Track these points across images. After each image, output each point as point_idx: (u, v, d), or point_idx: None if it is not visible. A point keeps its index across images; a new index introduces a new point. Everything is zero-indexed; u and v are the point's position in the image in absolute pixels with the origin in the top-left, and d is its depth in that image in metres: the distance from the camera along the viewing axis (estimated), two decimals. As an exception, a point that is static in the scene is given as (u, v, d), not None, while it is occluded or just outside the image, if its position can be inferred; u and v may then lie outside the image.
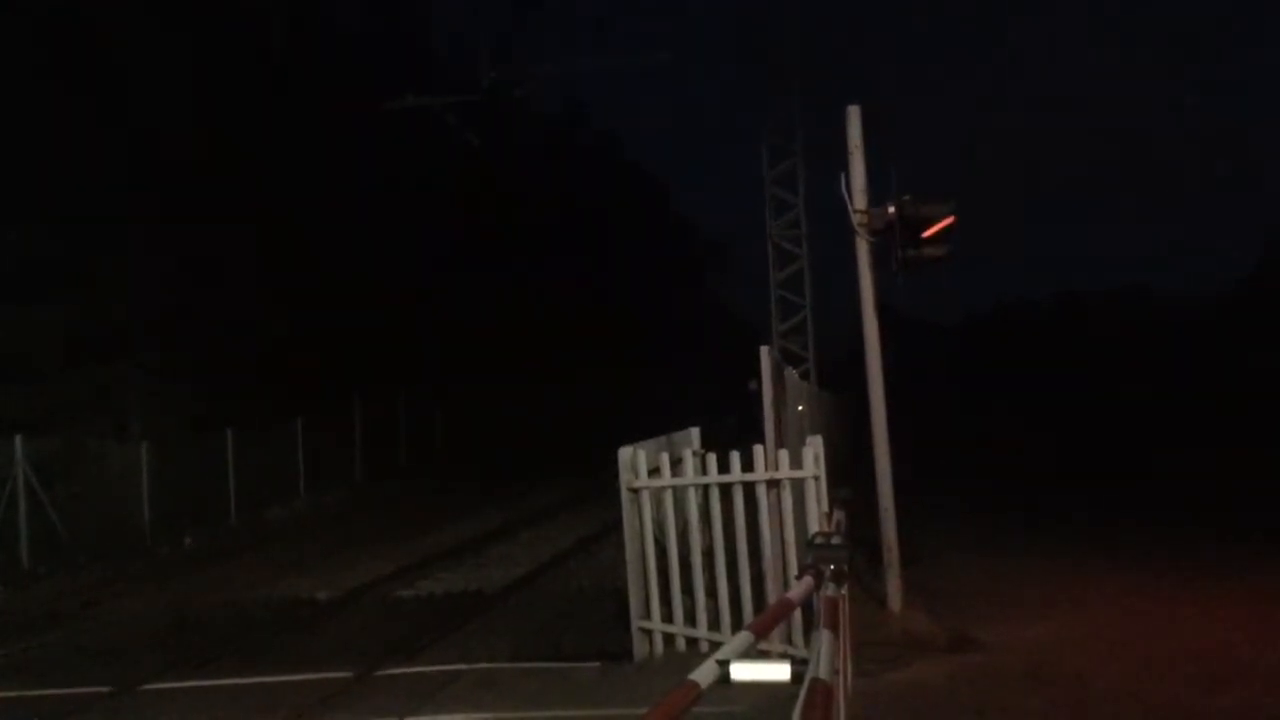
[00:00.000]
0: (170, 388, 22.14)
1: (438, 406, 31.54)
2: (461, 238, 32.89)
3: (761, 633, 4.71)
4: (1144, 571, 12.10)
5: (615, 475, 9.39)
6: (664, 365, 45.41)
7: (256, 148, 23.68)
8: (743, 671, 3.50)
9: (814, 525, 8.51)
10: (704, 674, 3.39)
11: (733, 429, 15.01)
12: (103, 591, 15.20)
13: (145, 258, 21.27)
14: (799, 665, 3.64)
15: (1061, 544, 14.07)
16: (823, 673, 3.58)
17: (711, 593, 9.22)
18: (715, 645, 8.14)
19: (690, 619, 9.25)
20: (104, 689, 9.33)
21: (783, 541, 9.03)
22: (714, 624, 9.12)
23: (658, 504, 9.39)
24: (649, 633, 9.30)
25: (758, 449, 9.20)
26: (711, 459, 9.33)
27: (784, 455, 9.13)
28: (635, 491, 9.32)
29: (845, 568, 5.63)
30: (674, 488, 9.41)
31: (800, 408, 14.41)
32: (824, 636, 4.10)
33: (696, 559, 9.23)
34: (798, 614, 7.50)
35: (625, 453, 9.34)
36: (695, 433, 10.77)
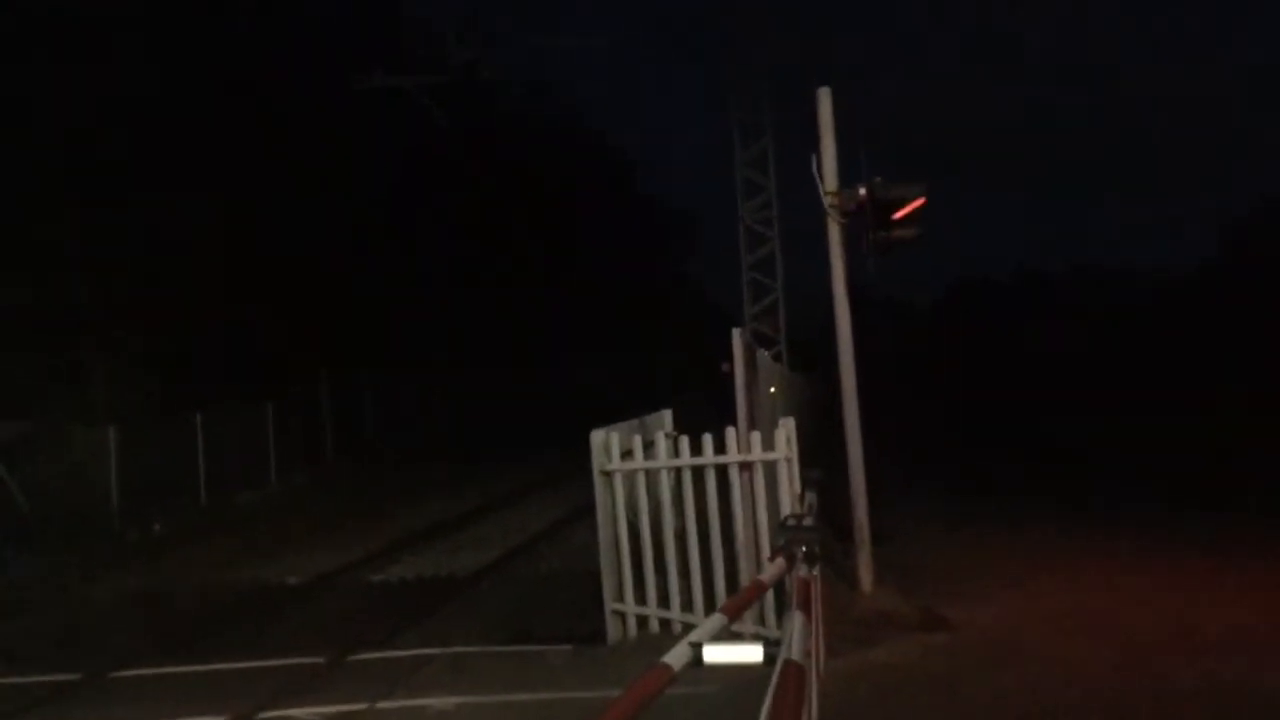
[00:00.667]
0: (138, 370, 21.92)
1: (407, 389, 31.42)
2: (431, 218, 32.70)
3: (734, 614, 4.72)
4: (1115, 547, 12.23)
5: (587, 458, 9.39)
6: (635, 347, 45.39)
7: (224, 127, 23.42)
8: (715, 654, 3.51)
9: (786, 507, 8.53)
10: (677, 656, 3.39)
11: (705, 411, 15.03)
12: (71, 577, 15.07)
13: (110, 238, 21.02)
14: (771, 647, 3.65)
15: (1032, 523, 14.19)
16: (795, 654, 3.59)
17: (684, 575, 9.24)
18: (688, 627, 8.17)
19: (663, 601, 9.27)
20: (73, 676, 9.26)
21: (755, 523, 9.05)
22: (687, 606, 9.15)
23: (630, 487, 9.40)
24: (622, 615, 9.31)
25: (730, 431, 9.22)
26: (684, 441, 9.34)
27: (756, 437, 9.15)
28: (608, 474, 9.32)
29: (817, 549, 5.65)
30: (647, 470, 9.41)
31: (772, 389, 14.46)
32: (796, 618, 4.11)
33: (669, 541, 9.24)
34: (770, 595, 7.52)
35: (598, 436, 9.33)
36: (668, 415, 10.77)
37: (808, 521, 5.88)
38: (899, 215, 10.26)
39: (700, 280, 57.61)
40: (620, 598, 9.31)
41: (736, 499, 9.09)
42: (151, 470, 20.43)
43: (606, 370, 40.11)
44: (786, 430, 9.04)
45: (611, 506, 9.33)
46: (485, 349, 34.83)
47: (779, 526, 6.64)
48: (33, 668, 9.71)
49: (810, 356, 29.14)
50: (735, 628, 7.07)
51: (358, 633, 10.37)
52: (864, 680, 7.75)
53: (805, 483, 8.97)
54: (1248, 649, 8.02)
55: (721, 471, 9.14)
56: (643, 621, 9.29)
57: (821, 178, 10.50)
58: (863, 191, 10.31)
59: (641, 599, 9.29)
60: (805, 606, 4.50)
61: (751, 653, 3.62)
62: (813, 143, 10.62)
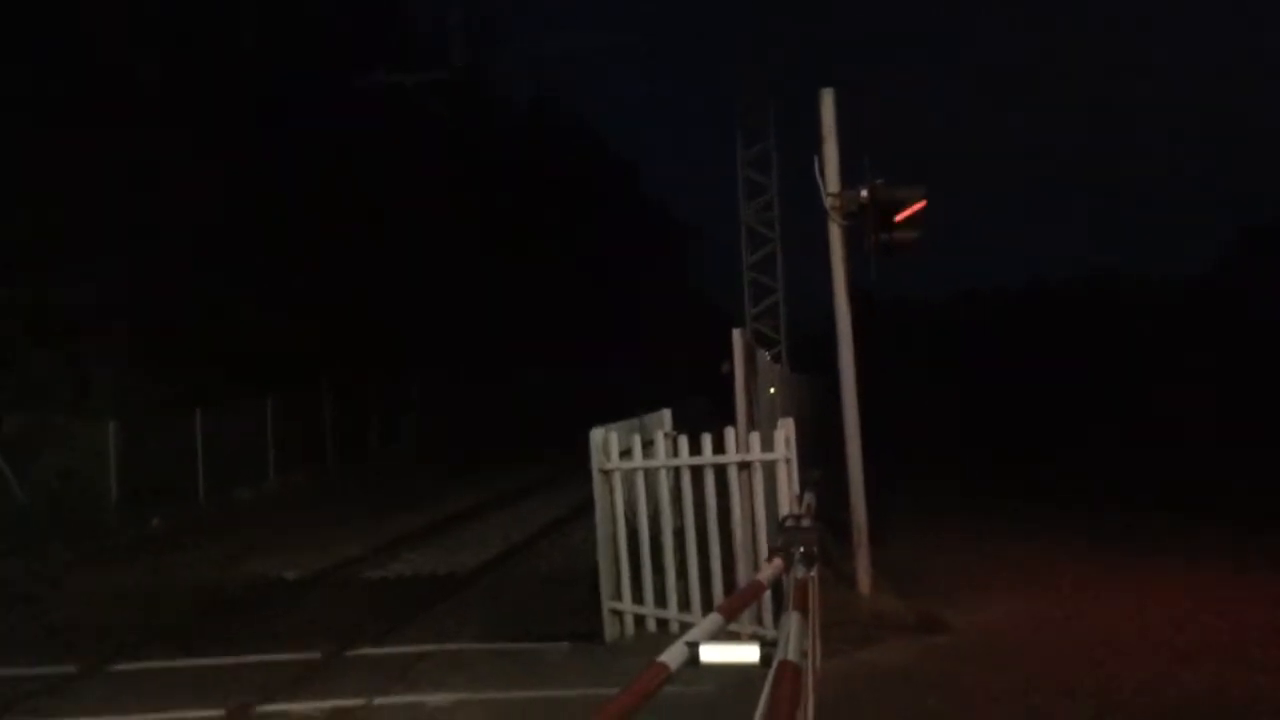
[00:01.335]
0: (139, 367, 21.91)
1: (408, 388, 31.43)
2: (433, 219, 32.70)
3: (731, 614, 4.72)
4: (1112, 553, 12.23)
5: (584, 455, 9.40)
6: (635, 347, 45.39)
7: (228, 123, 23.42)
8: (712, 653, 3.51)
9: (785, 507, 8.54)
10: (674, 655, 3.40)
11: (705, 411, 15.03)
12: (69, 571, 15.07)
13: (113, 236, 21.02)
14: (768, 647, 3.65)
15: (1030, 526, 14.20)
16: (791, 654, 3.59)
17: (682, 574, 9.25)
18: (685, 626, 8.17)
19: (661, 600, 9.28)
20: (70, 669, 9.26)
21: (753, 523, 9.06)
22: (684, 605, 9.16)
23: (629, 486, 9.41)
24: (620, 614, 9.32)
25: (729, 431, 9.23)
26: (683, 441, 9.35)
27: (755, 438, 9.16)
28: (607, 473, 9.33)
29: (815, 550, 5.65)
30: (645, 469, 9.42)
31: (772, 390, 14.46)
32: (793, 618, 4.11)
33: (667, 541, 9.25)
34: (768, 595, 7.53)
35: (597, 435, 9.34)
36: (667, 414, 10.78)
37: (806, 522, 5.87)
38: (900, 218, 10.27)
39: (700, 281, 57.53)
40: (618, 596, 9.32)
41: (735, 499, 9.10)
42: (151, 466, 20.43)
43: (607, 371, 40.12)
44: (785, 431, 9.05)
45: (610, 505, 9.34)
46: (486, 350, 34.82)
47: (777, 527, 6.65)
48: (29, 660, 9.71)
49: (810, 358, 29.15)
50: (732, 628, 7.07)
51: (356, 629, 10.37)
52: (861, 681, 7.75)
53: (804, 483, 8.99)
54: (1247, 656, 8.01)
55: (720, 471, 9.15)
56: (640, 620, 9.30)
57: (824, 179, 10.50)
58: (864, 193, 10.31)
59: (639, 598, 9.30)
60: (802, 607, 4.51)
61: (748, 653, 3.62)
62: (815, 144, 10.63)
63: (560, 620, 10.32)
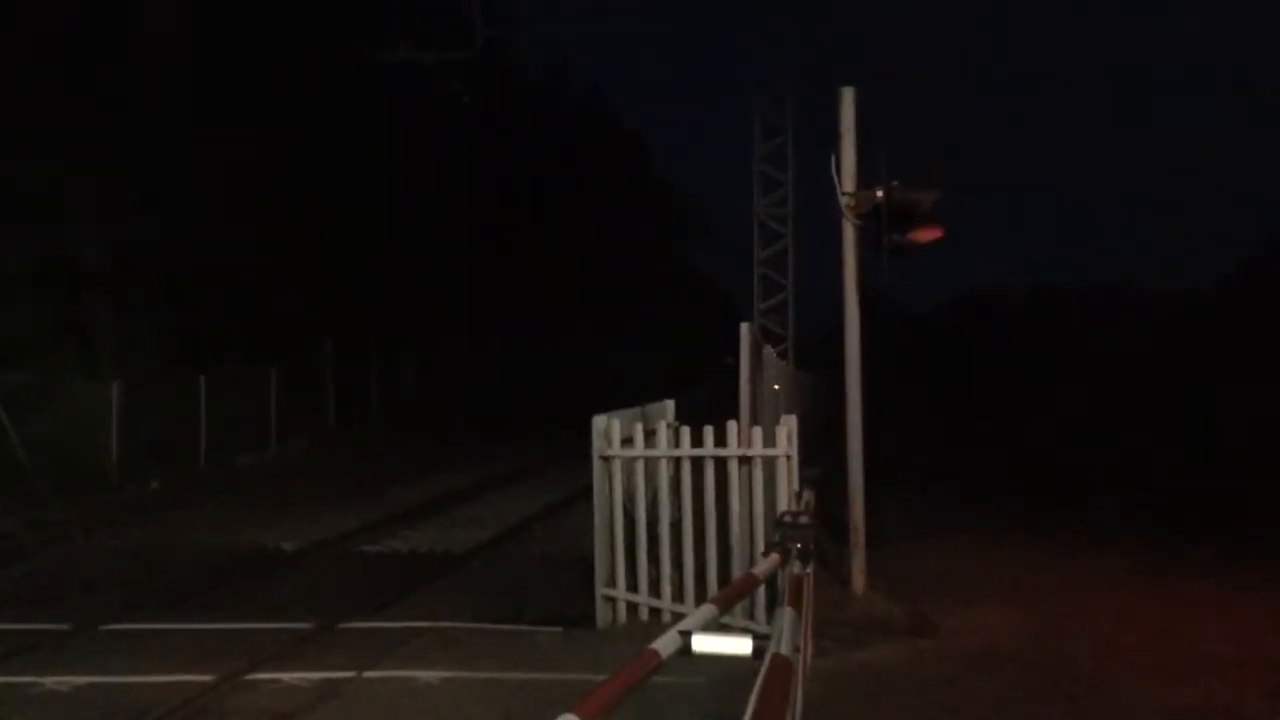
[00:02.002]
0: (143, 326, 21.93)
1: (413, 361, 31.46)
2: (444, 193, 32.69)
3: (725, 606, 4.74)
4: (1107, 561, 12.22)
5: (587, 442, 9.41)
6: (642, 334, 45.36)
7: (238, 89, 23.39)
8: (704, 644, 3.52)
9: (783, 503, 8.55)
10: (666, 644, 3.41)
11: (706, 401, 15.04)
12: (66, 529, 15.12)
13: (120, 192, 21.01)
14: (760, 640, 3.67)
15: (1027, 532, 14.19)
16: (784, 649, 3.60)
17: (677, 564, 9.26)
18: (678, 616, 8.19)
19: (655, 589, 9.29)
20: (64, 626, 9.31)
21: (751, 518, 9.07)
22: (678, 595, 9.17)
23: (629, 474, 9.42)
24: (613, 601, 9.34)
25: (731, 425, 9.23)
26: (685, 432, 9.35)
27: (758, 432, 9.16)
28: (607, 460, 9.34)
29: (811, 547, 5.66)
30: (646, 459, 9.43)
31: (777, 386, 14.47)
32: (786, 614, 4.13)
33: (664, 530, 9.26)
34: (761, 590, 7.54)
35: (599, 421, 9.35)
36: (670, 405, 10.78)
37: (804, 519, 5.88)
38: (920, 238, 10.23)
39: (712, 272, 57.42)
40: (612, 583, 9.34)
41: (734, 493, 9.11)
42: (152, 428, 20.47)
43: (613, 357, 40.10)
44: (788, 427, 9.05)
45: (609, 492, 9.36)
46: (493, 327, 34.84)
47: (775, 522, 6.65)
48: (24, 616, 9.77)
49: (817, 356, 29.14)
50: (725, 620, 7.09)
51: (349, 602, 10.41)
52: (850, 681, 7.76)
53: (804, 481, 8.99)
54: (1242, 669, 8.02)
55: (721, 464, 9.15)
56: (633, 608, 9.31)
57: (839, 178, 10.48)
58: (879, 194, 10.29)
59: (633, 586, 9.32)
60: (796, 603, 4.52)
61: (740, 645, 3.63)
62: (832, 142, 10.60)
63: (553, 604, 10.35)
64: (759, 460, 9.07)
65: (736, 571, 8.77)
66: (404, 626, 9.43)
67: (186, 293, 22.28)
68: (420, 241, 30.85)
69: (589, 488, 9.57)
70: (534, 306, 37.58)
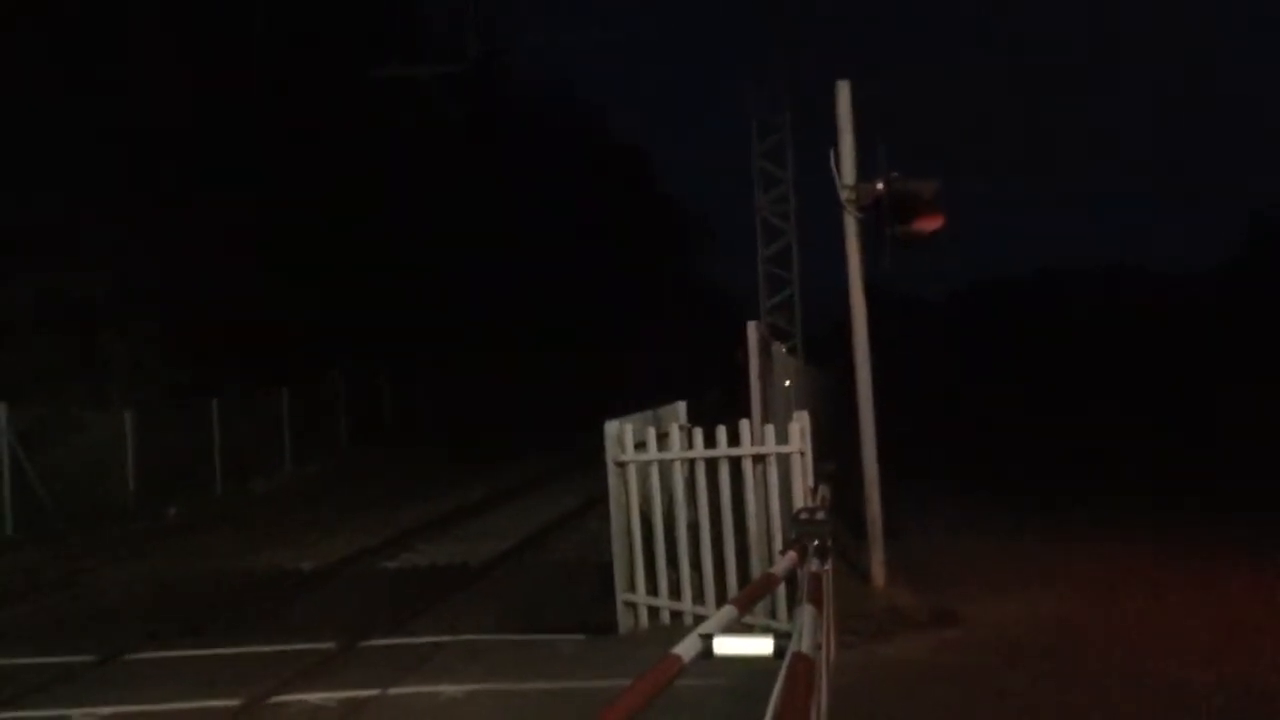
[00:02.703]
0: (155, 356, 22.04)
1: (423, 380, 31.50)
2: (446, 210, 32.74)
3: (745, 607, 4.73)
4: (1126, 548, 12.19)
5: (600, 449, 9.41)
6: (650, 339, 45.37)
7: (241, 115, 23.49)
8: (726, 645, 3.51)
9: (799, 500, 8.53)
10: (687, 647, 3.40)
11: (719, 403, 15.03)
12: (86, 561, 15.17)
13: (128, 224, 21.11)
14: (781, 639, 3.66)
15: (1044, 521, 14.16)
16: (805, 647, 3.59)
17: (696, 566, 9.25)
18: (699, 619, 8.18)
19: (675, 592, 9.28)
20: (88, 658, 9.32)
21: (768, 516, 9.05)
22: (698, 598, 9.16)
23: (644, 478, 9.41)
24: (633, 606, 9.33)
25: (744, 424, 9.21)
26: (698, 434, 9.34)
27: (770, 430, 9.14)
28: (621, 465, 9.34)
29: (829, 542, 5.65)
30: (660, 462, 9.42)
31: (787, 382, 14.44)
32: (807, 611, 4.12)
33: (682, 533, 9.25)
34: (781, 588, 7.53)
35: (612, 427, 9.35)
36: (682, 407, 10.78)
37: (820, 515, 5.87)
38: (918, 226, 10.22)
39: (716, 273, 57.46)
40: (632, 588, 9.34)
41: (749, 492, 9.09)
42: (167, 456, 20.56)
43: (622, 363, 40.12)
44: (800, 424, 9.03)
45: (624, 497, 9.35)
46: (503, 342, 34.86)
47: (791, 520, 6.64)
48: (48, 649, 9.78)
49: (825, 351, 29.12)
50: (746, 620, 7.08)
51: (370, 619, 10.41)
52: (874, 675, 7.75)
53: (818, 476, 8.97)
54: (1270, 651, 7.98)
55: (735, 464, 9.14)
56: (654, 612, 9.30)
57: (839, 171, 10.48)
58: (880, 186, 10.28)
59: (653, 590, 9.31)
60: (816, 600, 4.51)
61: (762, 645, 3.62)
62: (832, 135, 10.60)
63: (574, 612, 10.34)
64: (773, 458, 9.06)
65: (755, 570, 8.76)
66: (426, 641, 9.43)
67: (195, 321, 22.37)
68: (426, 259, 30.90)
69: (605, 494, 9.56)
70: (545, 321, 37.61)
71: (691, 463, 9.29)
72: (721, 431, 9.22)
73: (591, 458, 9.78)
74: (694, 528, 9.27)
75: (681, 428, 9.66)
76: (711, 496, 9.19)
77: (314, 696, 7.87)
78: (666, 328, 47.07)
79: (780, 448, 9.01)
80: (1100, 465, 19.82)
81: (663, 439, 9.56)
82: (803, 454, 8.90)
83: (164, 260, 21.62)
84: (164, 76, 21.84)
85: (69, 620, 11.59)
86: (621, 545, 9.33)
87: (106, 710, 7.76)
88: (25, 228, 19.22)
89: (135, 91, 21.13)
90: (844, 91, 10.60)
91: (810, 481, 8.82)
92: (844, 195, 10.44)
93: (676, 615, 9.20)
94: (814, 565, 5.17)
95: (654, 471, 9.41)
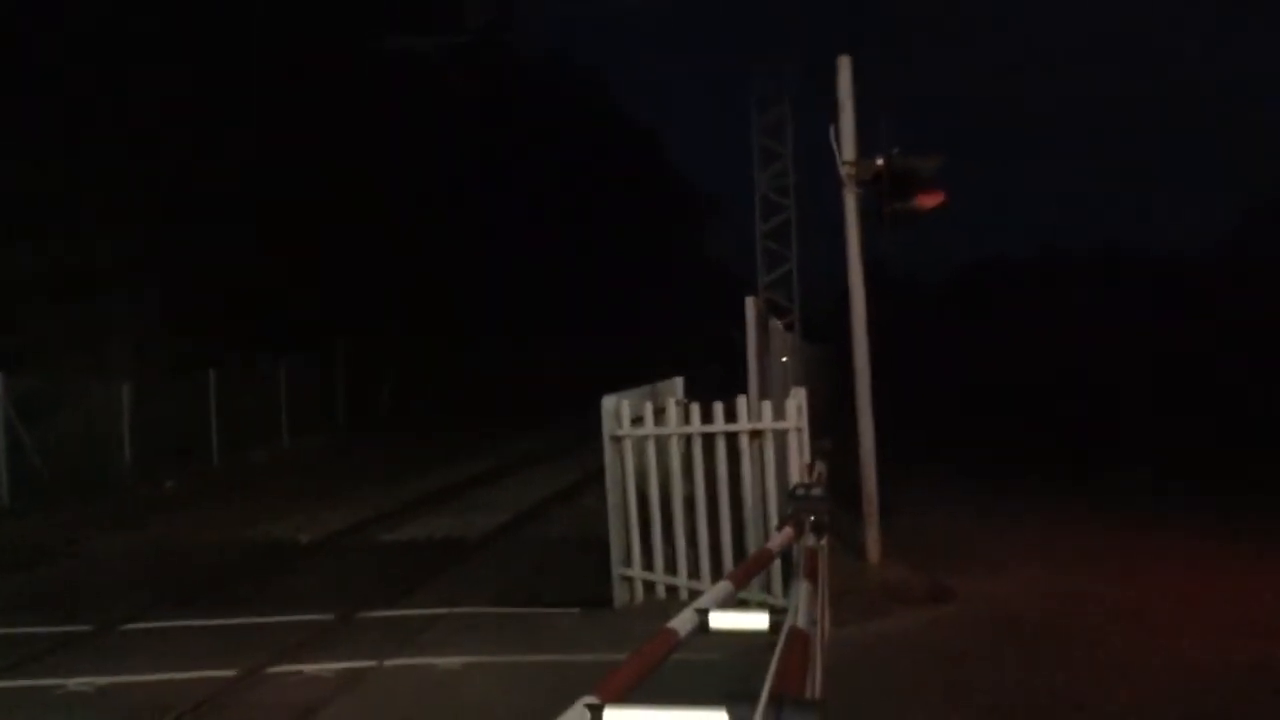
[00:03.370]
0: (153, 327, 22.01)
1: (422, 354, 31.48)
2: (445, 183, 32.63)
3: (741, 582, 4.73)
4: (1120, 525, 12.23)
5: (598, 423, 9.41)
6: (648, 315, 45.32)
7: (241, 86, 23.37)
8: (721, 620, 3.51)
9: (795, 476, 8.54)
10: (683, 622, 3.40)
11: (717, 379, 15.03)
12: (83, 531, 15.18)
13: (128, 195, 21.05)
14: (777, 615, 3.66)
15: (1040, 498, 14.20)
16: (801, 622, 3.60)
17: (692, 542, 9.28)
18: (695, 594, 8.20)
19: (670, 567, 9.31)
20: (86, 628, 9.35)
21: (764, 492, 9.07)
22: (694, 572, 9.19)
23: (640, 453, 9.42)
24: (629, 580, 9.36)
25: (741, 400, 9.22)
26: (695, 409, 9.35)
27: (767, 406, 9.15)
28: (618, 440, 9.35)
29: (825, 519, 5.65)
30: (657, 437, 9.43)
31: (784, 359, 14.45)
32: (803, 586, 4.13)
33: (678, 508, 9.27)
34: (777, 564, 7.55)
35: (609, 401, 9.35)
36: (679, 382, 10.78)
37: (816, 491, 5.87)
38: (922, 204, 10.20)
39: (718, 249, 57.26)
40: (628, 563, 9.36)
41: (746, 467, 9.11)
42: (165, 427, 20.56)
43: (622, 339, 40.08)
44: (797, 400, 9.04)
45: (621, 473, 9.37)
46: (502, 316, 34.84)
47: (788, 495, 6.65)
48: (45, 619, 9.82)
49: (824, 328, 29.12)
50: (741, 595, 7.10)
51: (368, 591, 10.44)
52: (870, 650, 7.78)
53: (815, 452, 8.99)
54: (1264, 628, 8.02)
55: (731, 439, 9.15)
56: (650, 587, 9.34)
57: (839, 148, 10.44)
58: (880, 162, 10.25)
59: (649, 565, 9.34)
60: (812, 576, 4.52)
61: (757, 620, 3.63)
62: (832, 111, 10.56)
63: (570, 585, 10.37)
64: (769, 434, 9.07)
65: (751, 546, 8.78)
66: (423, 614, 9.46)
67: (196, 293, 22.33)
68: (428, 235, 30.82)
69: (603, 469, 9.57)
70: (544, 295, 37.54)
71: (688, 438, 9.30)
72: (718, 407, 9.23)
73: (592, 432, 9.78)
74: (690, 503, 9.29)
75: (679, 403, 9.67)
76: (708, 472, 9.21)
77: (311, 668, 7.91)
78: (668, 302, 47.01)
79: (777, 424, 9.02)
80: (1097, 444, 19.83)
81: (660, 414, 9.57)
82: (799, 430, 8.92)
83: (165, 231, 21.56)
84: (164, 47, 21.71)
85: (65, 590, 11.61)
86: (618, 520, 9.35)
87: (103, 680, 7.80)
88: (25, 195, 19.15)
89: (136, 61, 21.01)
90: (845, 67, 10.55)
91: (807, 458, 8.83)
92: (844, 171, 10.41)
93: (672, 590, 9.24)
94: (810, 541, 5.18)
95: (651, 447, 9.42)
